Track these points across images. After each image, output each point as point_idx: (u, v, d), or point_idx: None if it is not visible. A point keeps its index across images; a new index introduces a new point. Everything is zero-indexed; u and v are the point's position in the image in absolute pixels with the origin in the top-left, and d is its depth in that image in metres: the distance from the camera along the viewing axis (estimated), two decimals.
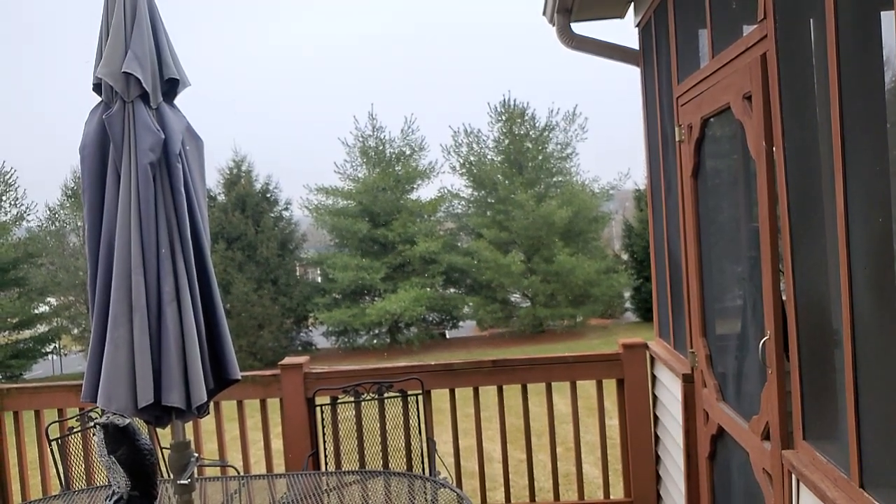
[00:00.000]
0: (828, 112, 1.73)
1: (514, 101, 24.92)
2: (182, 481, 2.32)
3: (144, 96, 2.20)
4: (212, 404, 2.46)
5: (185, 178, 2.26)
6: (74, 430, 3.54)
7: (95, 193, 2.21)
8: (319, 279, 25.83)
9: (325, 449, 3.72)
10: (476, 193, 25.60)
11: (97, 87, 2.25)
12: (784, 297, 2.14)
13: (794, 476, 2.04)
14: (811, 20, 1.90)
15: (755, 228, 2.31)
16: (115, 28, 2.17)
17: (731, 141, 2.68)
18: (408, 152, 25.40)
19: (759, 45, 2.17)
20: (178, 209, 2.21)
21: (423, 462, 3.75)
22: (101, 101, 2.24)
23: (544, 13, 4.06)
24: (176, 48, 2.32)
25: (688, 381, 3.13)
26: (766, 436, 2.27)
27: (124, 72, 2.14)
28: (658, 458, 3.87)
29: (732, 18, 2.54)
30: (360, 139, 25.35)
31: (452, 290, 25.36)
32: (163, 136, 2.19)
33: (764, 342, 2.23)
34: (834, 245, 1.74)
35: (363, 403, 3.76)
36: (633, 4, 3.98)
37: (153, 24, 2.24)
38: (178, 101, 2.38)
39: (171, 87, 2.31)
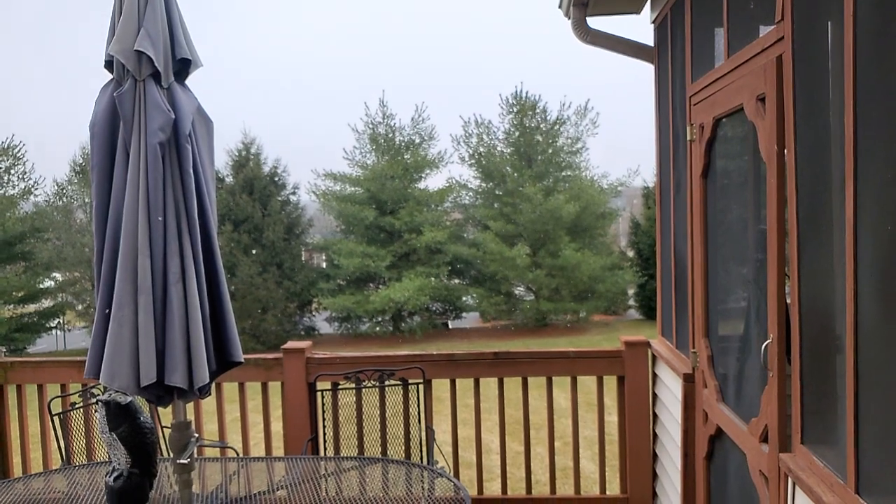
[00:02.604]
0: (842, 117, 1.71)
1: (526, 93, 24.82)
2: (182, 461, 2.34)
3: (156, 75, 2.19)
4: (213, 385, 2.47)
5: (194, 159, 2.26)
6: (76, 405, 3.57)
7: (104, 171, 2.21)
8: (324, 265, 25.87)
9: (324, 434, 3.75)
10: (484, 185, 25.54)
11: (109, 65, 2.24)
12: (788, 301, 2.13)
13: (790, 479, 2.05)
14: (829, 23, 1.88)
15: (763, 231, 2.30)
16: (128, 5, 2.16)
17: (742, 142, 2.66)
18: (417, 141, 25.34)
19: (775, 46, 2.15)
20: (186, 190, 2.21)
21: (421, 451, 3.77)
22: (113, 78, 2.24)
23: (560, 6, 4.03)
24: (189, 28, 2.31)
25: (688, 380, 3.13)
26: (764, 438, 2.27)
27: (136, 50, 2.13)
28: (655, 455, 3.88)
29: (749, 19, 2.51)
30: (371, 126, 25.30)
31: (457, 280, 25.36)
32: (173, 116, 2.19)
33: (766, 345, 2.22)
34: (841, 251, 1.73)
35: (364, 390, 3.78)
36: (649, 1, 3.95)
37: (167, 3, 2.23)
38: (189, 81, 2.37)
39: (183, 66, 2.30)
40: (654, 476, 3.89)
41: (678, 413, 3.27)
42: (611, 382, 3.92)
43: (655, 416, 3.88)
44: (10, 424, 4.06)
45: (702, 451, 3.02)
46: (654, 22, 3.87)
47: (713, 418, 2.86)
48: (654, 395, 3.91)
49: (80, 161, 24.69)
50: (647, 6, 4.01)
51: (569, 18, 3.95)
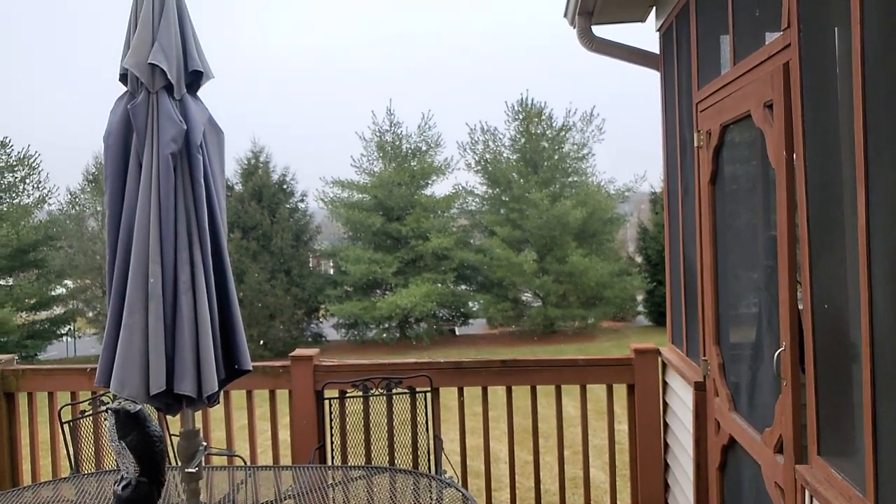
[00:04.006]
0: (850, 122, 1.70)
1: (532, 100, 24.85)
2: (190, 469, 2.34)
3: (169, 87, 2.22)
4: (221, 393, 2.47)
5: (206, 170, 2.28)
6: (86, 413, 3.58)
7: (117, 181, 2.24)
8: (332, 271, 25.93)
9: (332, 442, 3.74)
10: (490, 191, 25.55)
11: (123, 77, 2.28)
12: (801, 308, 2.11)
13: (807, 492, 2.02)
14: (836, 29, 1.87)
15: (773, 237, 2.29)
16: (143, 20, 2.20)
17: (750, 148, 2.65)
18: (424, 148, 25.40)
19: (782, 53, 2.15)
20: (198, 200, 2.23)
21: (429, 460, 3.75)
22: (127, 90, 2.28)
23: (565, 15, 4.04)
24: (200, 39, 2.34)
25: (700, 389, 3.11)
26: (779, 449, 2.25)
27: (150, 63, 2.17)
28: (667, 465, 3.85)
29: (755, 26, 2.51)
30: (378, 134, 25.40)
31: (464, 286, 25.35)
32: (185, 128, 2.22)
33: (779, 353, 2.21)
34: (854, 257, 1.71)
35: (371, 398, 3.77)
36: (654, 9, 3.95)
37: (180, 16, 2.27)
38: (200, 92, 2.40)
39: (195, 79, 2.34)
40: (666, 486, 3.85)
41: (689, 422, 3.25)
42: (620, 391, 3.89)
43: (666, 424, 3.85)
44: (20, 432, 4.07)
45: (714, 461, 2.99)
46: (659, 30, 3.87)
47: (726, 428, 2.84)
48: (665, 404, 3.88)
49: (94, 170, 24.92)
50: (652, 14, 4.01)
51: (574, 27, 3.96)
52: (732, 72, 2.61)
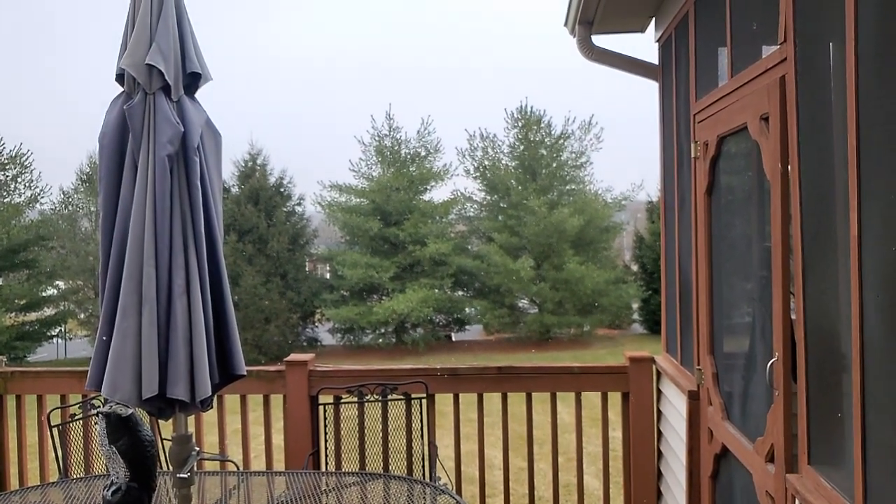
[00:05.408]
0: (844, 136, 1.72)
1: (531, 107, 24.94)
2: (181, 475, 2.33)
3: (166, 89, 2.21)
4: (214, 397, 2.46)
5: (202, 173, 2.27)
6: (76, 417, 3.55)
7: (112, 183, 2.23)
8: (328, 275, 25.89)
9: (326, 448, 3.73)
10: (489, 197, 25.59)
11: (120, 78, 2.27)
12: (794, 319, 2.12)
13: (797, 501, 2.03)
14: (831, 44, 1.89)
15: (767, 248, 2.30)
16: (140, 20, 2.19)
17: (746, 160, 2.67)
18: (423, 153, 25.43)
19: (778, 67, 2.16)
20: (194, 203, 2.22)
21: (423, 466, 3.74)
22: (123, 91, 2.26)
23: (566, 24, 4.07)
24: (198, 40, 2.33)
25: (693, 398, 3.11)
26: (770, 458, 2.25)
27: (147, 63, 2.16)
28: (660, 473, 3.85)
29: (752, 39, 2.53)
30: (377, 138, 25.42)
31: (461, 292, 25.33)
32: (182, 129, 2.20)
33: (772, 363, 2.21)
34: (846, 269, 1.72)
35: (366, 404, 3.76)
36: (654, 20, 3.98)
37: (178, 17, 2.25)
38: (198, 94, 2.39)
39: (193, 80, 2.32)
40: (659, 494, 3.85)
41: (683, 431, 3.25)
42: (615, 398, 3.89)
43: (660, 433, 3.86)
44: (8, 435, 4.03)
45: (707, 469, 2.99)
46: (658, 41, 3.89)
47: (718, 437, 2.84)
48: (659, 412, 3.88)
49: (87, 170, 24.79)
50: (652, 25, 4.03)
51: (574, 36, 3.98)
52: (730, 84, 2.62)
